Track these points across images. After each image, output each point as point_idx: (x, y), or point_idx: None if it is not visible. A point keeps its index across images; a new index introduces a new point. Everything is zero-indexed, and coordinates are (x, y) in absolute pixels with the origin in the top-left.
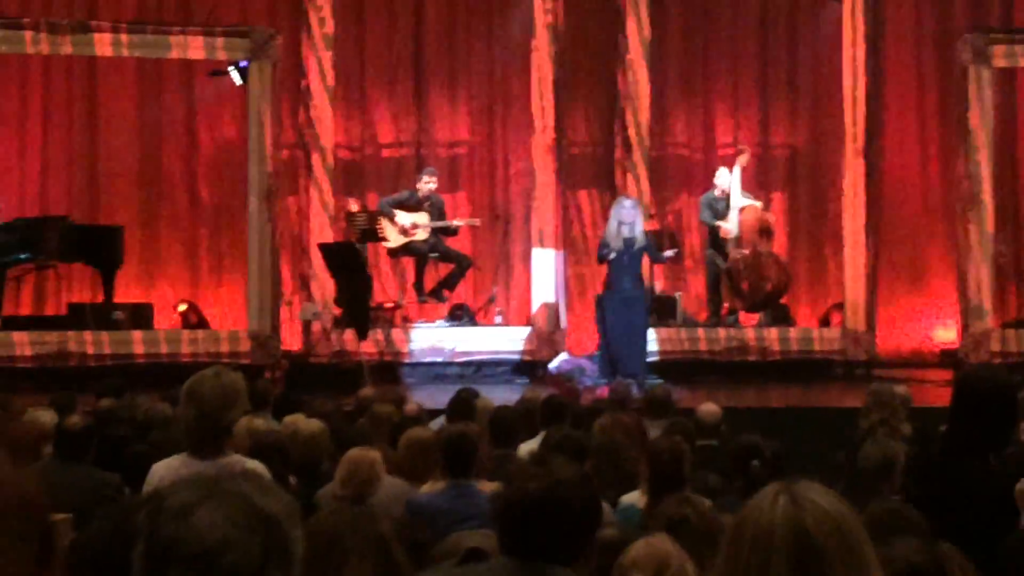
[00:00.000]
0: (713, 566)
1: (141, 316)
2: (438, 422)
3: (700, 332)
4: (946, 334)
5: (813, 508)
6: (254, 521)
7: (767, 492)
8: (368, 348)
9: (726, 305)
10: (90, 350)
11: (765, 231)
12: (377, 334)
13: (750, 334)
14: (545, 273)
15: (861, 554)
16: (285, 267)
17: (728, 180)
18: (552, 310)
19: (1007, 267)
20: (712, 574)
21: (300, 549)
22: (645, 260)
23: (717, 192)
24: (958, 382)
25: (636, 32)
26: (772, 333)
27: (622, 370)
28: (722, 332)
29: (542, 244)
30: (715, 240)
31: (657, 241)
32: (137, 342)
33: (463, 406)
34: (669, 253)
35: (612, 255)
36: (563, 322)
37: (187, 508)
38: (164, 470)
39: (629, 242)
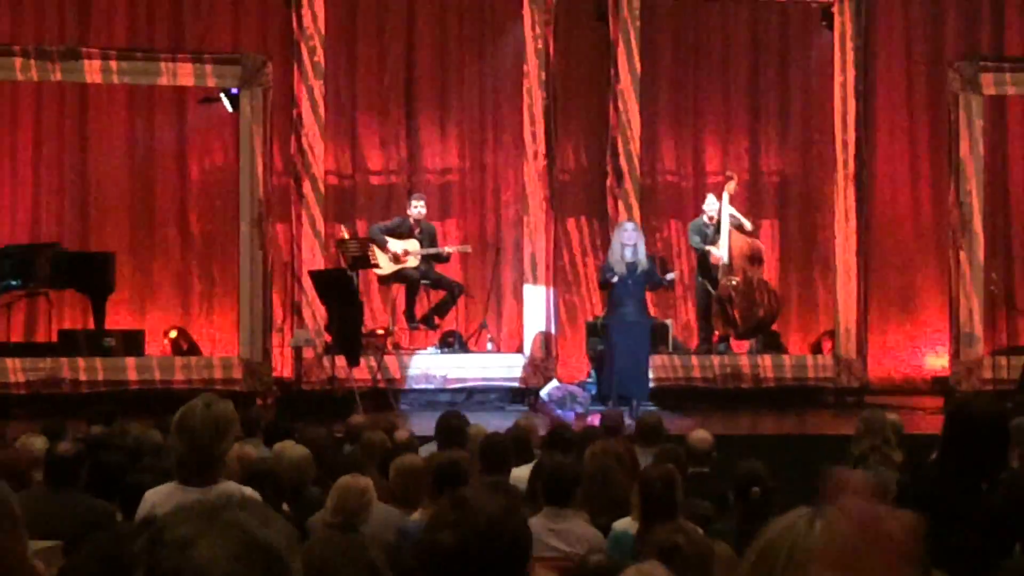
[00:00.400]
0: None
1: (132, 343)
2: (428, 448)
3: (694, 359)
4: (937, 361)
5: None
6: (255, 554)
7: (801, 515)
8: (359, 375)
9: (717, 332)
10: (83, 376)
11: (755, 258)
12: (369, 361)
13: (744, 361)
14: (536, 301)
15: None
16: (276, 294)
17: (716, 207)
18: (544, 337)
19: (998, 295)
20: None
21: None
22: None
23: (705, 219)
24: (950, 411)
25: (626, 61)
26: (766, 360)
27: (627, 393)
28: (716, 359)
29: (534, 271)
30: (705, 267)
31: (654, 267)
32: (129, 368)
33: (453, 432)
34: (670, 276)
35: (615, 278)
36: (554, 350)
37: (188, 541)
38: (156, 497)
39: (631, 266)
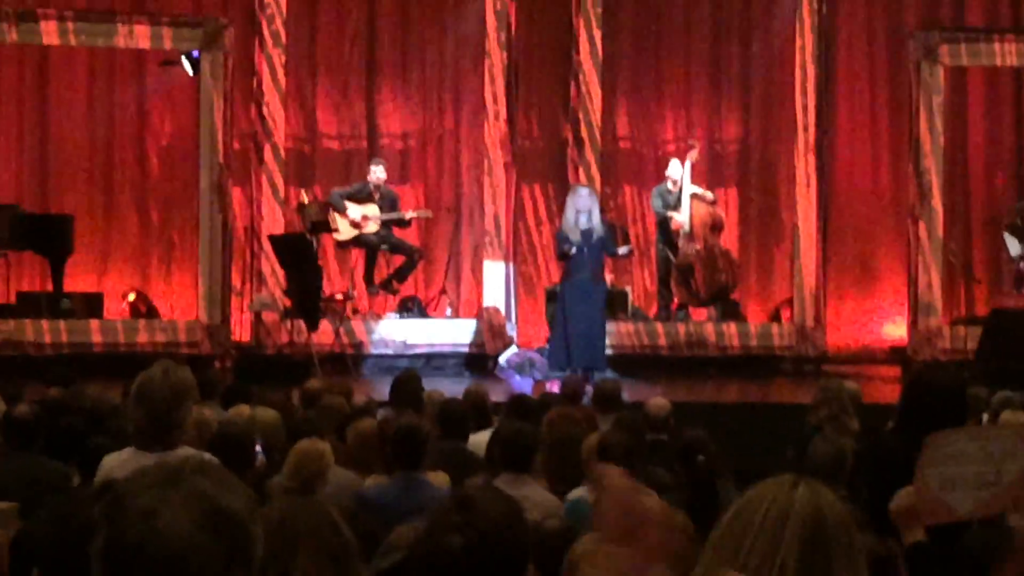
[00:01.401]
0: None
1: (91, 305)
2: (384, 413)
3: (659, 327)
4: (895, 331)
5: (828, 500)
6: (218, 522)
7: (783, 479)
8: (318, 340)
9: (676, 300)
10: (47, 339)
11: (717, 226)
12: (327, 326)
13: (709, 329)
14: (496, 266)
15: (857, 550)
16: (236, 258)
17: (680, 172)
18: (504, 303)
19: (957, 265)
20: (705, 549)
21: (261, 546)
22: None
23: (669, 184)
24: (909, 381)
25: (585, 29)
26: (731, 328)
27: (581, 362)
28: (681, 327)
29: (498, 234)
30: (666, 234)
31: (611, 236)
32: (93, 331)
33: (408, 395)
34: (623, 250)
35: (572, 250)
36: (513, 316)
37: (150, 510)
38: (114, 463)
39: (587, 234)
